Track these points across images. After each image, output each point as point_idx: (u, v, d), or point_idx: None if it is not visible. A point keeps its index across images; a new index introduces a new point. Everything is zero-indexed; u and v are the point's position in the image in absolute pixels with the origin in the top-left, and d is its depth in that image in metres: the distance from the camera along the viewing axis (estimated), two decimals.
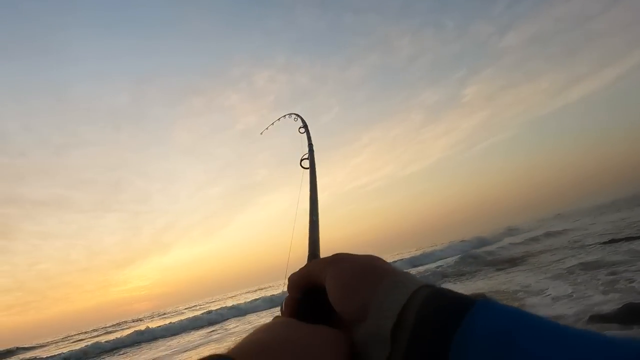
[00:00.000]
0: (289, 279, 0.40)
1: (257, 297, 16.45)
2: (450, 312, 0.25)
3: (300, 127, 1.15)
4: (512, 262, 8.25)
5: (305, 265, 0.40)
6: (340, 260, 0.35)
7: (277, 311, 0.42)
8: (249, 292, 36.93)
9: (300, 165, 0.95)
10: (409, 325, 0.26)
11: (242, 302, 15.83)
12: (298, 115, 1.24)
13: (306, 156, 0.99)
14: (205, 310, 16.26)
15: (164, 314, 30.90)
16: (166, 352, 8.23)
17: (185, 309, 31.39)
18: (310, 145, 0.97)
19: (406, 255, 20.20)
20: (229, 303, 17.38)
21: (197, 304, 36.99)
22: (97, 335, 21.19)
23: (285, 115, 1.35)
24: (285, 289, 0.41)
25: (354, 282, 0.32)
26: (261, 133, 1.58)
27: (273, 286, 33.61)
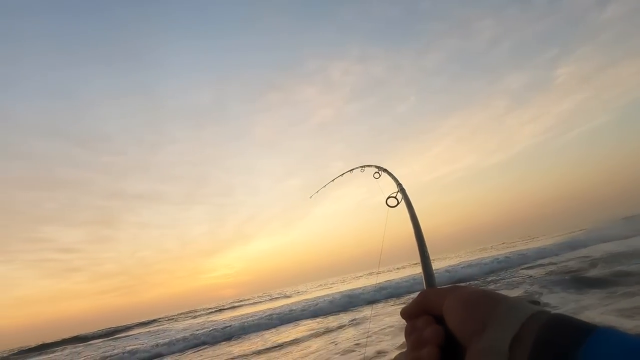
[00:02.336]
0: (401, 312, 0.42)
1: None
2: (571, 336, 0.25)
3: (374, 173, 1.14)
4: None
5: (420, 294, 0.42)
6: (459, 287, 0.38)
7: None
8: (324, 284, 37.10)
9: (386, 203, 0.92)
10: (528, 341, 0.27)
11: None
12: (366, 166, 1.25)
13: (393, 194, 0.95)
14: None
15: (252, 299, 34.40)
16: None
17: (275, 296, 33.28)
18: (399, 184, 0.94)
19: (513, 248, 18.52)
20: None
21: (283, 292, 40.41)
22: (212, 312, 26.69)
23: (348, 171, 1.37)
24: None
25: (474, 301, 0.34)
26: (311, 197, 1.58)
27: (345, 280, 35.05)
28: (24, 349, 24.29)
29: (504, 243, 36.34)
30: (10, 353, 24.31)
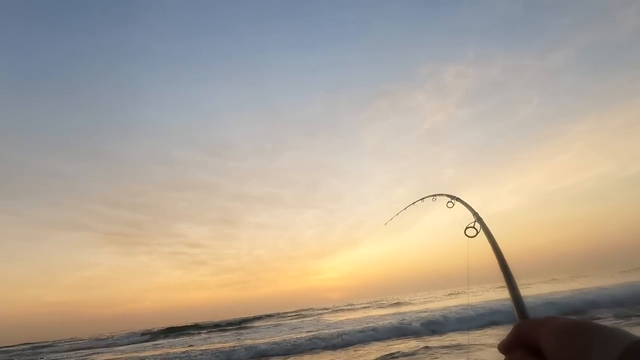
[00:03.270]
0: (499, 347, 0.42)
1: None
2: None
3: (447, 202, 1.16)
4: None
5: (515, 327, 0.42)
6: (554, 318, 0.38)
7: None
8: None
9: (465, 234, 0.93)
10: None
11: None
12: (438, 195, 1.28)
13: (471, 224, 0.97)
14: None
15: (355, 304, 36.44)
16: None
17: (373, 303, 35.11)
18: (476, 214, 0.96)
19: None
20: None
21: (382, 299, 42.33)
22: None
23: (419, 200, 1.40)
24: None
25: (570, 331, 0.34)
26: (386, 224, 1.64)
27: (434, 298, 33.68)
28: (161, 328, 29.71)
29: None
30: (158, 329, 29.95)
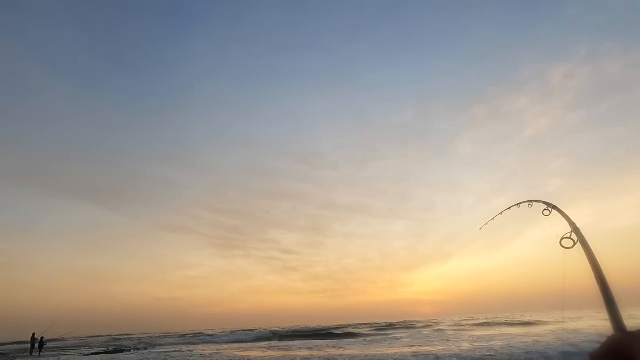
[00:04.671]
0: (591, 356, 0.41)
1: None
2: None
3: (544, 210, 1.17)
4: None
5: (609, 338, 0.41)
6: None
7: None
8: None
9: (561, 244, 0.96)
10: None
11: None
12: (534, 201, 1.28)
13: (568, 235, 0.99)
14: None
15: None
16: None
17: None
18: (573, 224, 0.97)
19: None
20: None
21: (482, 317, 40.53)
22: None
23: (515, 205, 1.41)
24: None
25: None
26: (480, 229, 1.67)
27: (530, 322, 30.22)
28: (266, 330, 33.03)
29: None
30: (272, 330, 33.66)
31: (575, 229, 0.97)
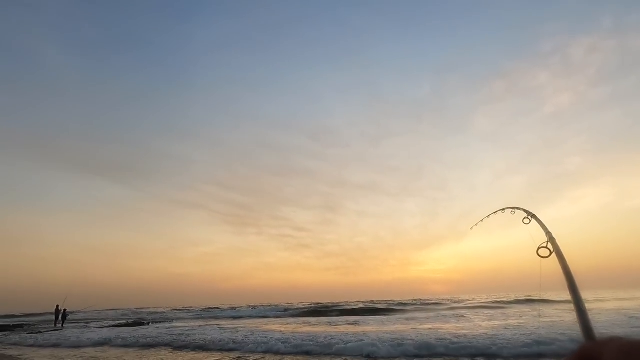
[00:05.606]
0: None
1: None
2: None
3: (524, 219, 1.23)
4: None
5: (580, 346, 0.42)
6: (619, 338, 0.36)
7: None
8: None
9: (537, 254, 1.01)
10: None
11: None
12: (516, 208, 1.34)
13: (544, 245, 1.04)
14: None
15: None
16: None
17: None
18: (549, 233, 1.02)
19: None
20: None
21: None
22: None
23: (500, 210, 1.47)
24: None
25: (634, 352, 0.33)
26: (471, 228, 1.72)
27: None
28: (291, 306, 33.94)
29: None
30: (263, 305, 33.85)
31: (551, 239, 1.02)
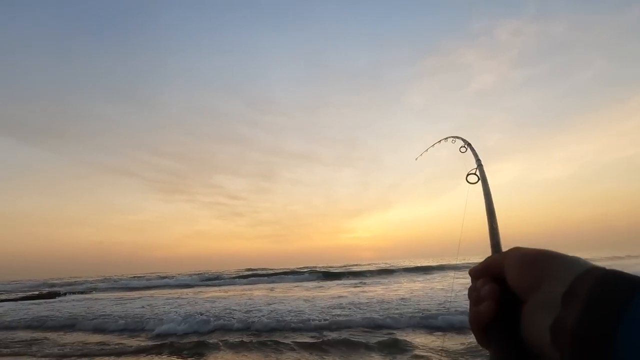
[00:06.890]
0: (469, 272, 0.45)
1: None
2: (623, 290, 0.26)
3: (461, 147, 1.24)
4: None
5: (487, 258, 0.45)
6: (519, 248, 0.39)
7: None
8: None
9: (466, 180, 1.04)
10: (581, 295, 0.28)
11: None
12: (457, 137, 1.35)
13: (473, 171, 1.07)
14: None
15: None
16: None
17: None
18: (478, 160, 1.05)
19: None
20: None
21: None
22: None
23: (443, 139, 1.48)
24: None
25: (531, 259, 0.36)
26: (416, 159, 1.75)
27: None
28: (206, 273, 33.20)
29: None
30: (192, 274, 33.09)
31: (479, 166, 1.04)
